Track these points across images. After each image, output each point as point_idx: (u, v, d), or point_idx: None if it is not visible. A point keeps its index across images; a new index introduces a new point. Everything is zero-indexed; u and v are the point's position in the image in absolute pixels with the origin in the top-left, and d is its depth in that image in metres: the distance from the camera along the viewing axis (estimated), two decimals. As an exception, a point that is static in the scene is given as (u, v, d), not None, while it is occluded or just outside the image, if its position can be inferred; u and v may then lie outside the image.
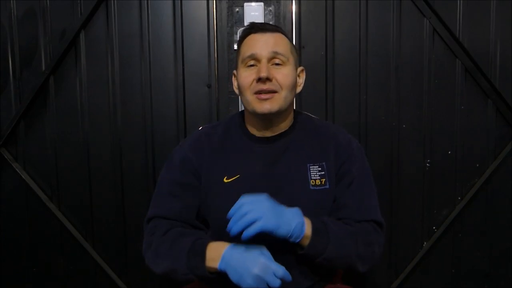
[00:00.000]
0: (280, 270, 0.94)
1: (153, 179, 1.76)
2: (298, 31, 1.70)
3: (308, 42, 1.71)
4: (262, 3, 1.68)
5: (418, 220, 1.78)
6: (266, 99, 1.07)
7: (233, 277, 0.95)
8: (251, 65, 1.09)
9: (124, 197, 1.79)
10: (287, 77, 1.09)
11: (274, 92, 1.07)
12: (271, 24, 1.15)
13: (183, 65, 1.73)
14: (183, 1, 1.72)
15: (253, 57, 1.08)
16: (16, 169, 1.80)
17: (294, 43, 1.69)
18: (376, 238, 1.10)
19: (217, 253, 0.99)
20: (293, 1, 1.69)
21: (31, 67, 1.76)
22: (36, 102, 1.77)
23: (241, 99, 1.15)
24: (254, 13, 1.69)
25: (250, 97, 1.09)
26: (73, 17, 1.72)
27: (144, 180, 1.78)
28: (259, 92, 1.07)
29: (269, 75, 1.06)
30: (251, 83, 1.08)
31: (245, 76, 1.09)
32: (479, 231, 1.79)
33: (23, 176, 1.80)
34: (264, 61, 1.07)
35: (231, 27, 1.70)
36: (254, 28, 1.11)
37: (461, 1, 1.68)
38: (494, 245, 1.79)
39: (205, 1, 1.71)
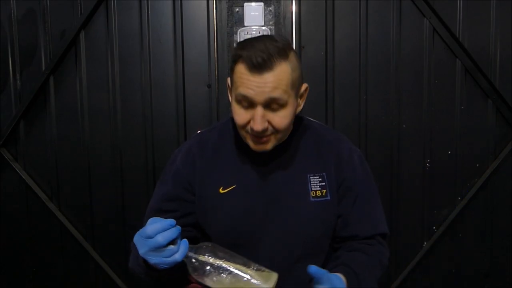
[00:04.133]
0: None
1: (153, 179, 1.76)
2: (298, 31, 1.70)
3: (308, 42, 1.71)
4: (262, 3, 1.68)
5: (418, 220, 1.78)
6: (261, 143, 1.01)
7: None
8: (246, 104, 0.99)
9: (124, 197, 1.79)
10: (285, 119, 0.99)
11: (270, 135, 1.00)
12: (269, 54, 0.93)
13: (183, 65, 1.73)
14: (183, 1, 1.71)
15: (247, 99, 0.96)
16: (16, 169, 1.80)
17: (294, 43, 1.69)
18: (385, 253, 1.12)
19: None
20: (293, 1, 1.69)
21: (31, 67, 1.76)
22: (36, 102, 1.77)
23: None
24: (254, 13, 1.68)
25: (244, 133, 1.02)
26: (73, 17, 1.72)
27: (144, 180, 1.78)
28: (253, 135, 1.00)
29: (264, 127, 0.97)
30: (245, 124, 1.00)
31: (239, 114, 0.99)
32: (479, 231, 1.79)
33: (23, 176, 1.79)
34: (259, 108, 0.96)
35: (231, 27, 1.70)
36: (249, 63, 0.94)
37: (461, 1, 1.68)
38: (494, 245, 1.79)
39: (205, 1, 1.71)
